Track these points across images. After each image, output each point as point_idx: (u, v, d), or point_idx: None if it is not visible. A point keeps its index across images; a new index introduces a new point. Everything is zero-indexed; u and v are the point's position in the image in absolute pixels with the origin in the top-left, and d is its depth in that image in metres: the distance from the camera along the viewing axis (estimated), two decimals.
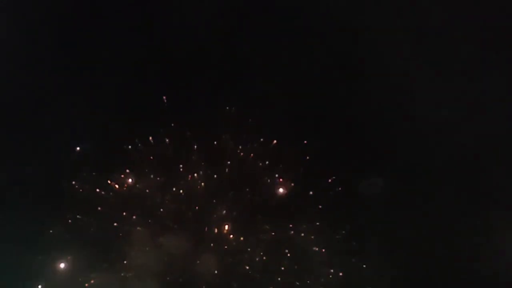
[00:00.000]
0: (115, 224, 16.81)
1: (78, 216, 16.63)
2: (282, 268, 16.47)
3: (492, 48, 15.62)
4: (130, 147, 17.12)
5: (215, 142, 17.33)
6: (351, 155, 16.40)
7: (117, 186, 17.24)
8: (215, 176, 17.40)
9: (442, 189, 16.06)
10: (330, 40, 16.42)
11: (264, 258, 16.77)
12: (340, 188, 16.63)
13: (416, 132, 16.19)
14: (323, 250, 16.49)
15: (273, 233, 16.79)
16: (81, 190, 16.91)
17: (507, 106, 15.52)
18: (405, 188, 16.06)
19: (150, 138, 17.20)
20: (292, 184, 17.13)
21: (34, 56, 16.72)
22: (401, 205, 16.08)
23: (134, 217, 16.99)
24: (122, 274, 16.31)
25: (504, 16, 15.38)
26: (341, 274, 16.31)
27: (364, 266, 15.96)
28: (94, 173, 17.02)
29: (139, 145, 17.30)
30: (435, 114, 15.74)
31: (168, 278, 16.40)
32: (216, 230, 17.21)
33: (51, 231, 16.24)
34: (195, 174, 17.39)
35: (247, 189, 17.26)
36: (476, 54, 15.61)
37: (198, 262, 16.66)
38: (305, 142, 16.73)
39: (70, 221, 16.58)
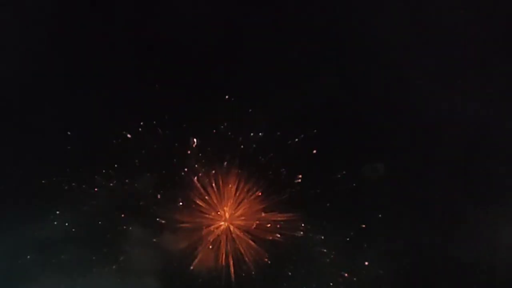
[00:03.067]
0: (101, 222, 16.04)
1: (62, 214, 15.84)
2: (289, 273, 15.63)
3: (494, 45, 15.40)
4: (119, 140, 16.05)
5: (214, 131, 16.19)
6: (358, 150, 15.87)
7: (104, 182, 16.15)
8: (213, 171, 16.33)
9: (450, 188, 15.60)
10: (332, 33, 15.87)
11: (269, 262, 15.82)
12: (354, 184, 15.61)
13: (420, 130, 15.84)
14: (333, 252, 15.58)
15: (278, 235, 15.84)
16: (66, 188, 15.92)
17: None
18: (412, 187, 15.57)
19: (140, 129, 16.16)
20: (299, 180, 16.00)
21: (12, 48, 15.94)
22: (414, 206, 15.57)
23: (122, 215, 16.11)
24: (111, 276, 15.75)
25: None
26: (355, 279, 15.39)
27: (381, 272, 15.12)
28: (79, 169, 15.98)
29: (128, 136, 16.11)
30: (440, 109, 15.54)
31: (162, 280, 15.77)
32: (214, 230, 16.26)
33: (36, 231, 15.57)
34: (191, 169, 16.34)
35: (249, 185, 16.19)
36: (479, 49, 15.41)
37: (194, 264, 15.87)
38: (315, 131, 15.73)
39: (55, 221, 15.85)
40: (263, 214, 16.08)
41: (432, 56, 15.57)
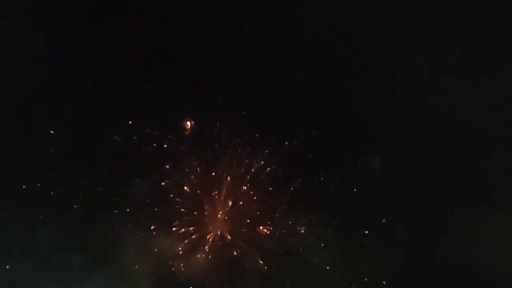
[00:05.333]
0: (90, 228, 15.16)
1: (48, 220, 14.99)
2: (287, 282, 15.04)
3: (493, 44, 15.21)
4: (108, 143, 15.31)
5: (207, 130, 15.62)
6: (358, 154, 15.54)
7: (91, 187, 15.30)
8: (206, 174, 15.71)
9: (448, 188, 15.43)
10: (328, 34, 15.60)
11: (266, 269, 15.14)
12: (355, 190, 15.13)
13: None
14: (332, 259, 15.02)
15: (276, 242, 15.24)
16: (52, 193, 15.12)
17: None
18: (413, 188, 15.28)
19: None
20: (297, 184, 15.43)
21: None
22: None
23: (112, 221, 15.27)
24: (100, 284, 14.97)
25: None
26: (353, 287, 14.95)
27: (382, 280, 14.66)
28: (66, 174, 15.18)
29: (116, 137, 15.35)
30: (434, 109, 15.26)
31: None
32: (207, 236, 15.60)
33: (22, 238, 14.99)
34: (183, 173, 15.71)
35: (244, 189, 15.68)
36: (477, 48, 15.22)
37: (186, 272, 15.21)
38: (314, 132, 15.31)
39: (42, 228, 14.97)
40: (259, 220, 15.52)
41: (429, 56, 15.39)
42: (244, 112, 15.45)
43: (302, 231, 15.19)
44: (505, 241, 14.45)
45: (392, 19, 15.15)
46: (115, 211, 15.23)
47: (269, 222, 15.39)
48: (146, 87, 15.37)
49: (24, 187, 14.97)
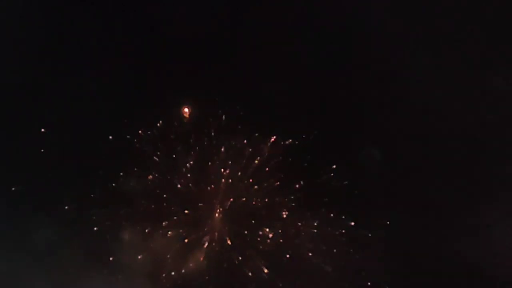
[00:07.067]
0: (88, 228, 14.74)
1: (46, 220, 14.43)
2: (289, 285, 14.57)
3: (494, 40, 15.16)
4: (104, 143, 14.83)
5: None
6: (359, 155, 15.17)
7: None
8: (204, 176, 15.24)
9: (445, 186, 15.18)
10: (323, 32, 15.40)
11: (267, 271, 14.68)
12: (357, 191, 14.81)
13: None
14: (333, 262, 14.67)
15: (277, 244, 14.81)
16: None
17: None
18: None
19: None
20: (298, 186, 15.04)
21: None
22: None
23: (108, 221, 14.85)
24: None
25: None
26: None
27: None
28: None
29: (110, 137, 14.85)
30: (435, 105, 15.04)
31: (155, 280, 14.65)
32: (205, 237, 15.12)
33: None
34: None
35: (244, 191, 15.21)
36: (478, 47, 15.11)
37: (185, 275, 14.73)
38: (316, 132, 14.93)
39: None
40: (259, 222, 15.08)
41: (429, 55, 15.14)
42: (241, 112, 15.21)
43: (304, 233, 14.87)
44: (507, 241, 14.29)
45: (392, 17, 14.96)
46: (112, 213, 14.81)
47: (275, 224, 14.98)
48: (144, 86, 15.06)
49: (13, 189, 14.58)
